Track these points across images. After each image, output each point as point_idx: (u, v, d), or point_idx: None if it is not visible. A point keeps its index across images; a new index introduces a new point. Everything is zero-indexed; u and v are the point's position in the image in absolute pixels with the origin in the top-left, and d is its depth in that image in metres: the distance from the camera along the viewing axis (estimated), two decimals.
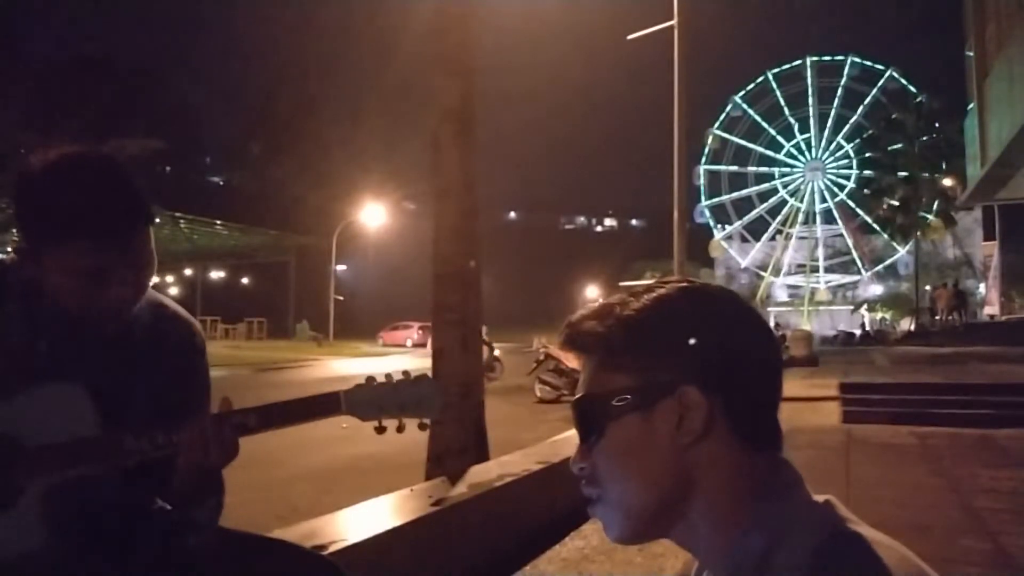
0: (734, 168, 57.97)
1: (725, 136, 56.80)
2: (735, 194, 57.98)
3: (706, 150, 56.21)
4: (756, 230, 58.70)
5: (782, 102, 55.83)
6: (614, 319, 0.70)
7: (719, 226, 57.69)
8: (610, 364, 0.70)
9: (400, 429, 1.26)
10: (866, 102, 51.64)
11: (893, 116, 38.79)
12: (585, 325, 0.72)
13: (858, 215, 49.99)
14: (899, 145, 37.37)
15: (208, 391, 1.39)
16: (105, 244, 1.13)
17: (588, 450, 0.70)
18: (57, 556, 1.16)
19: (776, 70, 55.93)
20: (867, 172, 42.40)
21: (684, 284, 0.73)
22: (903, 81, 48.04)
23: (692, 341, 0.67)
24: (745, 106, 56.36)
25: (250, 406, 1.23)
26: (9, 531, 1.13)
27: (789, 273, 56.95)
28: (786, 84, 55.82)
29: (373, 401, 1.25)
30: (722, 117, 56.53)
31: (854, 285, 54.64)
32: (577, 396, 0.72)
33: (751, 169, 57.90)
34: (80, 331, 1.22)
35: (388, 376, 1.27)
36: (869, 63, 52.62)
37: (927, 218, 37.01)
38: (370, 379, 1.26)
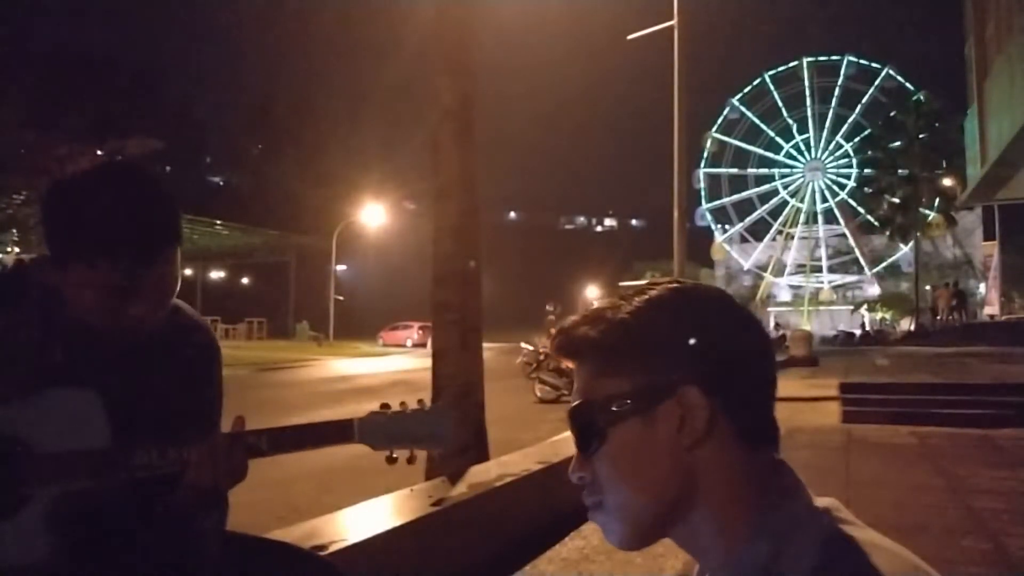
0: (734, 170, 58.06)
1: (723, 139, 56.88)
2: (735, 196, 58.07)
3: (705, 153, 56.29)
4: (758, 231, 58.83)
5: (780, 103, 55.97)
6: (607, 323, 0.70)
7: (719, 226, 57.76)
8: (606, 369, 0.69)
9: (411, 460, 1.26)
10: (864, 101, 51.80)
11: (892, 115, 38.85)
12: (578, 331, 0.72)
13: (859, 214, 50.05)
14: (898, 143, 37.44)
15: (221, 402, 1.38)
16: (134, 264, 1.12)
17: (587, 459, 0.70)
18: (62, 565, 1.15)
19: (773, 71, 56.02)
20: (867, 171, 42.43)
21: (675, 285, 0.72)
22: (900, 79, 48.13)
23: (689, 341, 0.67)
24: (743, 108, 56.48)
25: (264, 428, 1.23)
26: (14, 539, 1.12)
27: (792, 273, 56.98)
28: (783, 85, 55.99)
29: (387, 431, 1.24)
30: (720, 120, 56.63)
31: (858, 285, 54.67)
32: (574, 404, 0.71)
33: (751, 171, 57.99)
34: (96, 339, 1.20)
35: (403, 405, 1.26)
36: (866, 62, 52.72)
37: (928, 215, 37.05)
38: (384, 407, 1.26)
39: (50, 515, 1.13)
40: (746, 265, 57.43)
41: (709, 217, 57.77)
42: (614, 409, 0.67)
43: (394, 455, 1.25)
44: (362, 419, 1.24)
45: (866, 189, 43.02)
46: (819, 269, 55.41)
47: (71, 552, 1.16)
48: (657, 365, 0.67)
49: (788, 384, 11.12)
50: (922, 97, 38.78)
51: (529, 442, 5.35)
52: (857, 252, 53.04)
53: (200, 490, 1.16)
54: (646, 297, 0.71)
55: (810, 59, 55.01)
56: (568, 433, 0.73)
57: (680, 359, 0.67)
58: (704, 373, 0.66)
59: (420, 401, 1.28)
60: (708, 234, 58.16)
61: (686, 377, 0.66)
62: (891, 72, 50.14)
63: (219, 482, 1.16)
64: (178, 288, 1.23)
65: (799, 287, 56.08)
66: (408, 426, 1.25)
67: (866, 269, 52.42)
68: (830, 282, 55.04)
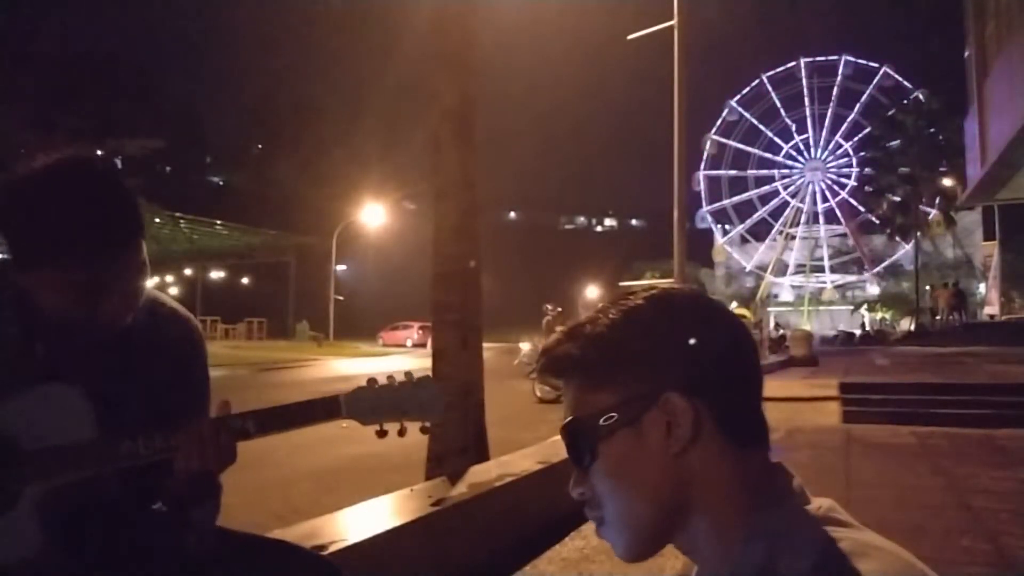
0: (733, 172, 58.12)
1: (723, 141, 56.91)
2: (736, 198, 58.10)
3: (704, 156, 56.32)
4: (759, 232, 58.87)
5: (778, 104, 55.98)
6: (585, 339, 0.70)
7: (719, 226, 57.80)
8: (590, 384, 0.70)
9: (402, 433, 1.25)
10: (862, 100, 51.90)
11: (890, 114, 38.93)
12: (559, 350, 0.72)
13: (859, 213, 50.13)
14: (896, 142, 37.50)
15: (207, 390, 1.38)
16: (95, 260, 1.10)
17: (584, 474, 0.70)
18: (54, 560, 1.15)
19: (770, 73, 56.05)
20: (867, 170, 42.45)
21: (652, 292, 0.73)
22: (898, 77, 48.21)
23: (666, 348, 0.67)
24: (741, 110, 56.51)
25: (249, 410, 1.22)
26: (6, 536, 1.12)
27: (794, 273, 57.00)
28: (781, 86, 56.03)
29: (374, 404, 1.23)
30: (719, 122, 56.66)
31: (859, 285, 54.69)
32: (564, 422, 0.72)
33: (751, 172, 58.03)
34: (77, 334, 1.20)
35: (390, 378, 1.26)
36: (863, 61, 52.77)
37: (929, 212, 37.09)
38: (371, 381, 1.25)
39: (41, 511, 1.13)
40: (748, 267, 57.45)
41: (710, 219, 57.83)
42: (602, 424, 0.68)
43: (384, 428, 1.24)
44: (348, 394, 1.24)
45: (866, 188, 43.07)
46: (820, 269, 55.44)
47: (64, 546, 1.16)
48: (638, 375, 0.67)
49: (788, 384, 11.12)
50: (921, 96, 38.82)
51: (529, 442, 5.35)
52: (861, 251, 53.09)
53: (190, 476, 1.16)
54: (622, 308, 0.71)
55: (807, 59, 55.07)
56: None
57: (660, 367, 0.67)
58: (685, 378, 0.66)
59: (407, 373, 1.27)
60: (708, 234, 58.25)
61: (667, 384, 0.66)
62: (888, 71, 50.21)
63: (208, 466, 1.15)
64: (147, 278, 1.21)
65: (801, 287, 56.13)
66: (396, 398, 1.24)
67: (868, 268, 52.44)
68: (832, 282, 55.06)
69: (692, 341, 0.67)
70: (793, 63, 55.38)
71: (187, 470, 1.15)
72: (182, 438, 1.15)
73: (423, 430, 1.28)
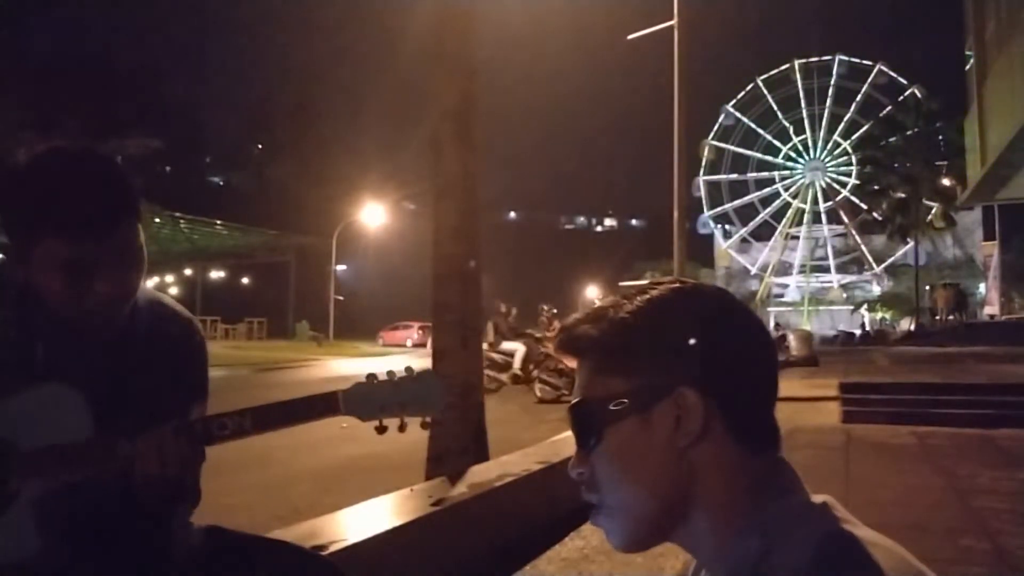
0: (733, 176, 58.16)
1: (721, 146, 56.97)
2: (737, 202, 58.12)
3: (703, 161, 56.34)
4: (761, 234, 58.90)
5: (775, 106, 56.05)
6: (607, 322, 0.70)
7: (719, 227, 57.81)
8: (605, 368, 0.70)
9: (402, 428, 1.23)
10: (858, 99, 52.00)
11: (883, 113, 39.02)
12: (579, 329, 0.72)
13: (859, 212, 50.18)
14: (895, 139, 37.57)
15: (206, 392, 1.38)
16: (82, 236, 1.10)
17: (586, 455, 0.70)
18: (52, 561, 1.15)
19: (765, 76, 56.07)
20: (867, 168, 42.50)
21: (677, 285, 0.72)
22: (892, 74, 48.30)
23: (687, 342, 0.67)
24: (738, 114, 56.56)
25: (247, 407, 1.21)
26: (2, 536, 1.12)
27: (797, 273, 57.01)
28: (777, 88, 56.12)
29: (373, 400, 1.22)
30: (716, 127, 56.71)
31: (860, 284, 54.71)
32: (573, 401, 0.72)
33: (751, 175, 58.07)
34: (78, 334, 1.20)
35: (390, 373, 1.24)
36: (857, 60, 52.86)
37: (931, 207, 37.15)
38: (370, 377, 1.24)
39: (38, 511, 1.13)
40: (753, 269, 57.50)
41: (712, 224, 57.87)
42: (611, 408, 0.68)
43: (383, 424, 1.22)
44: (347, 390, 1.22)
45: (866, 187, 43.12)
46: (819, 269, 55.50)
47: (61, 547, 1.15)
48: (655, 365, 0.67)
49: (788, 384, 11.11)
50: (917, 92, 38.85)
51: (529, 442, 5.35)
52: (863, 250, 53.13)
53: (150, 480, 1.14)
54: (647, 297, 0.71)
55: (801, 61, 55.14)
56: (569, 433, 0.74)
57: (678, 360, 0.67)
58: (702, 375, 0.66)
59: (407, 368, 1.26)
60: (709, 236, 58.27)
61: (683, 378, 0.66)
62: (883, 68, 50.25)
63: (167, 472, 1.13)
64: (144, 267, 1.21)
65: (802, 286, 56.17)
66: (395, 394, 1.22)
67: (873, 267, 52.45)
68: (838, 281, 55.10)
69: (715, 339, 0.67)
70: (787, 65, 55.47)
71: (147, 474, 1.14)
72: (142, 443, 1.13)
73: (424, 425, 1.27)
